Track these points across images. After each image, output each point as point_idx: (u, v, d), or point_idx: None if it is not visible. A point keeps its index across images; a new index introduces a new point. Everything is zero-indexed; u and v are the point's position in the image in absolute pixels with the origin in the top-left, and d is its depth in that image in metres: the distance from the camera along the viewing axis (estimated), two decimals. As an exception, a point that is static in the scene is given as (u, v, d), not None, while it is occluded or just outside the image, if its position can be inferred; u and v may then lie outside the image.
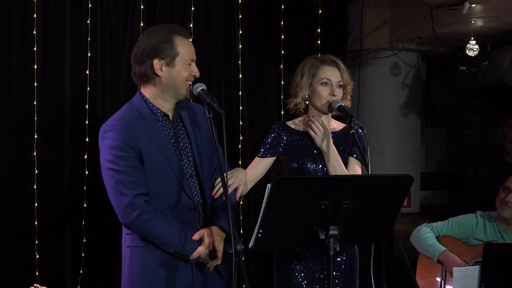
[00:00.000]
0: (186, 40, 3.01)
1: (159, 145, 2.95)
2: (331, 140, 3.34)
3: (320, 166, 3.35)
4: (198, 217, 3.02)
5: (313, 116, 3.37)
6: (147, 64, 2.95)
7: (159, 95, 2.99)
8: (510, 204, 4.06)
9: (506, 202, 4.07)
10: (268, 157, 3.40)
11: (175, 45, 2.95)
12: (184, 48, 2.97)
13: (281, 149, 3.39)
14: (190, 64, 2.98)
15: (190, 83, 2.98)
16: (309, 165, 3.34)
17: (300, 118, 3.45)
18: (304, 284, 3.31)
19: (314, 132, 3.33)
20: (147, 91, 3.01)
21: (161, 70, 2.95)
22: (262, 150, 3.42)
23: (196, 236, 2.92)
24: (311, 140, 3.37)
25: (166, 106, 3.01)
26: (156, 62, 2.94)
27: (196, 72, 3.00)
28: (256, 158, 3.44)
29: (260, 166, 3.41)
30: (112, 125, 2.95)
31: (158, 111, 2.99)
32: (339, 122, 3.49)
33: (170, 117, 3.03)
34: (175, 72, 2.96)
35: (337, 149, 3.37)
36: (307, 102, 3.39)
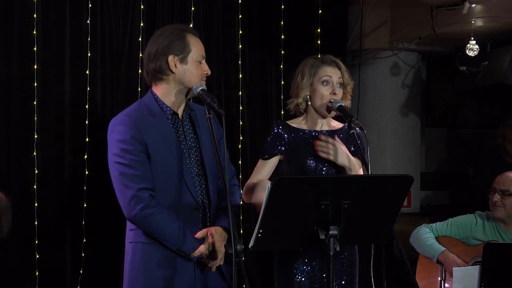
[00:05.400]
0: (197, 38, 3.06)
1: (167, 142, 2.97)
2: (347, 151, 3.31)
3: (321, 165, 3.34)
4: (201, 216, 3.02)
5: (319, 136, 3.33)
6: (162, 61, 2.98)
7: (171, 93, 3.02)
8: (498, 203, 4.07)
9: (494, 202, 4.08)
10: (273, 158, 3.38)
11: (188, 42, 3.00)
12: (196, 46, 3.02)
13: (283, 148, 3.37)
14: (200, 62, 3.03)
15: (203, 84, 3.00)
16: (310, 163, 3.33)
17: (301, 118, 3.44)
18: (305, 283, 3.31)
19: (327, 153, 3.30)
20: (159, 89, 3.03)
21: (175, 67, 2.98)
22: (265, 151, 3.39)
23: (199, 235, 2.93)
24: (313, 138, 3.37)
25: (176, 104, 3.04)
26: (171, 59, 2.97)
27: (207, 70, 3.05)
28: (260, 161, 3.41)
29: (266, 168, 3.39)
30: (121, 119, 2.98)
31: (168, 109, 3.02)
32: (337, 122, 3.48)
33: (180, 116, 3.06)
34: (188, 69, 2.99)
35: None
36: (308, 103, 3.38)
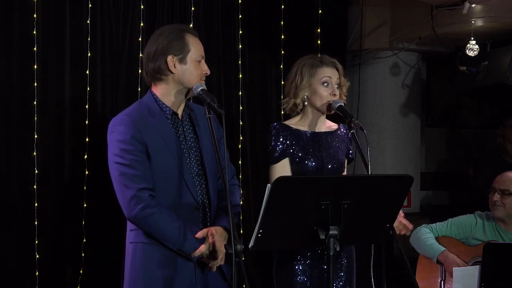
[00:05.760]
0: (196, 38, 3.06)
1: (167, 142, 2.97)
2: None
3: (321, 165, 3.34)
4: (201, 216, 3.03)
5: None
6: (161, 61, 2.98)
7: (170, 93, 3.02)
8: (498, 202, 4.08)
9: (494, 201, 4.09)
10: (283, 159, 3.32)
11: (187, 42, 3.00)
12: (195, 46, 3.03)
13: (284, 147, 3.36)
14: (200, 61, 3.03)
15: (203, 84, 3.00)
16: (311, 164, 3.33)
17: (297, 118, 3.42)
18: (306, 283, 3.31)
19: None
20: (158, 89, 3.04)
21: (175, 67, 2.98)
22: (274, 155, 3.32)
23: (199, 235, 2.94)
24: (312, 139, 3.36)
25: (176, 104, 3.04)
26: (170, 59, 2.98)
27: (206, 69, 3.05)
28: (273, 166, 3.31)
29: (284, 169, 3.31)
30: (121, 119, 2.98)
31: (168, 109, 3.02)
32: (331, 122, 3.48)
33: (179, 116, 3.06)
34: (187, 69, 3.00)
35: (337, 149, 3.38)
36: (305, 103, 3.37)
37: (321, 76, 3.33)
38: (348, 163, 3.53)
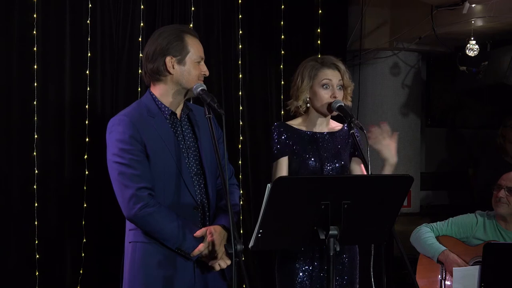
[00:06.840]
0: (196, 39, 3.06)
1: (165, 142, 2.98)
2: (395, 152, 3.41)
3: (323, 165, 3.34)
4: (200, 215, 3.03)
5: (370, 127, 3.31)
6: (159, 62, 2.98)
7: (168, 93, 3.03)
8: (503, 199, 4.08)
9: (499, 198, 4.09)
10: (283, 156, 3.35)
11: (186, 43, 3.00)
12: (194, 47, 3.03)
13: (286, 148, 3.36)
14: (199, 62, 3.03)
15: (202, 84, 3.00)
16: (312, 164, 3.33)
17: (300, 119, 3.43)
18: (306, 283, 3.31)
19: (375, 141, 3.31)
20: (157, 90, 3.04)
21: (173, 68, 2.98)
22: (274, 153, 3.35)
23: (198, 234, 2.94)
24: (312, 139, 3.37)
25: (174, 104, 3.05)
26: (169, 60, 2.98)
27: (205, 70, 3.05)
28: (272, 165, 3.36)
29: (283, 166, 3.34)
30: (120, 119, 2.98)
31: (166, 109, 3.03)
32: (336, 122, 3.48)
33: (178, 116, 3.07)
34: (186, 70, 3.00)
35: (338, 149, 3.38)
36: (308, 105, 3.38)
37: (321, 78, 3.33)
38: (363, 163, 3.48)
